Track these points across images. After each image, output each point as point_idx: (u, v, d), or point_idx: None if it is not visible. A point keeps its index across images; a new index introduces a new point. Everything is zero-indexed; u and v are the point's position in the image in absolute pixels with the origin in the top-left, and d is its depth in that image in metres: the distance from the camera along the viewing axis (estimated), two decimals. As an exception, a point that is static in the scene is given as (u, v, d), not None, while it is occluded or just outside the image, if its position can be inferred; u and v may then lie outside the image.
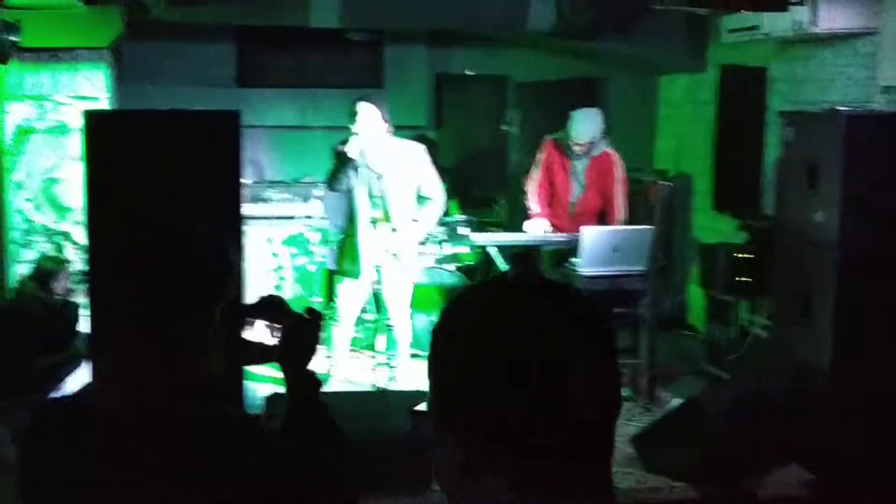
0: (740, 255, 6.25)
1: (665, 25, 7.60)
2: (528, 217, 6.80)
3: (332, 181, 6.01)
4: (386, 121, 5.93)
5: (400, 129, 8.17)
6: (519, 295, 1.17)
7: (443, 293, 7.17)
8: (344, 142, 5.88)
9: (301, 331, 1.89)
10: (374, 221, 5.87)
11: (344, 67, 8.43)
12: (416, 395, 5.04)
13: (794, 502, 4.96)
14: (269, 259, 7.92)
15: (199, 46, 8.18)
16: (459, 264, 7.48)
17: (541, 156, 6.73)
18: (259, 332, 1.90)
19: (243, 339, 1.85)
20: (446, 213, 7.64)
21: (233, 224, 4.21)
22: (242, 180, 7.99)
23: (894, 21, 5.36)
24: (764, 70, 6.82)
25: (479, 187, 8.08)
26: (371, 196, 5.92)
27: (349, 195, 5.99)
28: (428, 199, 6.07)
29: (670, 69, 8.36)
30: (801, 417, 5.03)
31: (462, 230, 7.08)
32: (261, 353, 1.89)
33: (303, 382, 1.89)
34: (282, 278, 7.90)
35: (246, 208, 8.06)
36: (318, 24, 7.20)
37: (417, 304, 7.12)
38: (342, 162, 5.89)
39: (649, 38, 7.65)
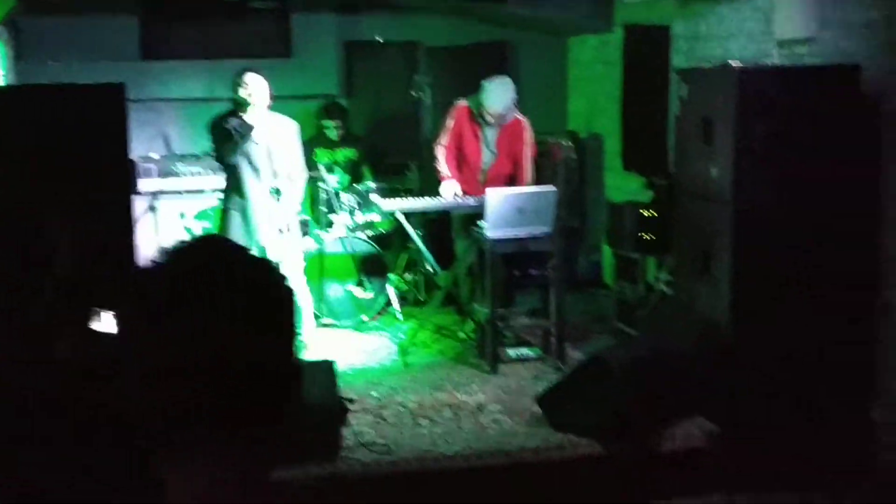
0: (645, 213, 6.32)
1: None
2: (440, 182, 6.82)
3: (227, 153, 6.01)
4: (270, 94, 6.00)
5: (311, 98, 8.16)
6: (183, 258, 1.18)
7: (357, 262, 7.15)
8: (224, 114, 5.98)
9: None
10: (275, 191, 5.85)
11: (251, 38, 8.34)
12: (322, 365, 5.03)
13: (699, 454, 5.05)
14: (182, 234, 7.83)
15: (100, 20, 8.02)
16: (374, 232, 7.46)
17: (450, 121, 6.75)
18: (107, 323, 1.84)
19: (85, 328, 1.80)
20: (359, 181, 7.63)
21: (121, 199, 4.11)
22: (151, 154, 7.98)
23: (786, -24, 5.42)
24: (666, 28, 6.86)
25: (391, 154, 8.04)
26: (255, 168, 5.98)
27: (234, 168, 6.04)
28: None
29: (578, 30, 8.38)
30: (702, 371, 5.12)
31: (374, 198, 7.05)
32: (106, 345, 1.83)
33: None
34: (195, 253, 7.81)
35: (155, 183, 8.02)
36: (219, -8, 7.11)
37: (331, 273, 7.10)
38: (233, 134, 5.91)
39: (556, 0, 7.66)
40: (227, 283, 1.14)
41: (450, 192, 6.65)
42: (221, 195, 6.33)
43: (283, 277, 1.20)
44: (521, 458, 4.88)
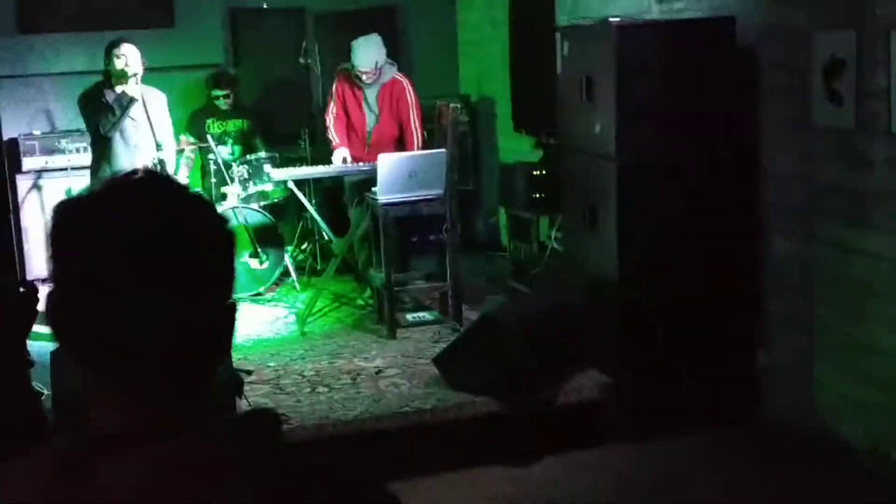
0: (535, 173, 6.37)
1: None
2: (331, 150, 6.79)
3: (105, 127, 5.91)
4: (143, 64, 5.89)
5: (197, 68, 8.01)
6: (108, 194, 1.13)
7: (251, 233, 7.07)
8: (94, 87, 5.88)
9: (8, 306, 1.79)
10: (157, 163, 5.72)
11: (132, 7, 8.11)
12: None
13: (594, 405, 5.15)
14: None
15: (-29, -7, 7.74)
16: (267, 202, 7.38)
17: (334, 88, 6.72)
18: None
19: None
20: (251, 150, 7.55)
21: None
22: (33, 132, 7.74)
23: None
24: (549, -13, 6.89)
25: (283, 123, 7.95)
26: (126, 142, 5.88)
27: (107, 142, 5.94)
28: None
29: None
30: (593, 324, 5.21)
31: (266, 167, 6.97)
32: None
33: (8, 363, 1.78)
34: (85, 231, 7.64)
35: (40, 161, 7.79)
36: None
37: (224, 245, 7.00)
38: (112, 107, 5.81)
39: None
40: (171, 220, 1.10)
41: (338, 159, 6.62)
42: (91, 171, 6.26)
43: (226, 220, 1.17)
44: (419, 420, 4.91)
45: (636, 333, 5.09)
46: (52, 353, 4.90)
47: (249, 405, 4.88)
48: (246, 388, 5.25)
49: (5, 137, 5.96)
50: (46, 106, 8.00)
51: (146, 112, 5.91)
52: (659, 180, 5.04)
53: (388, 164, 5.94)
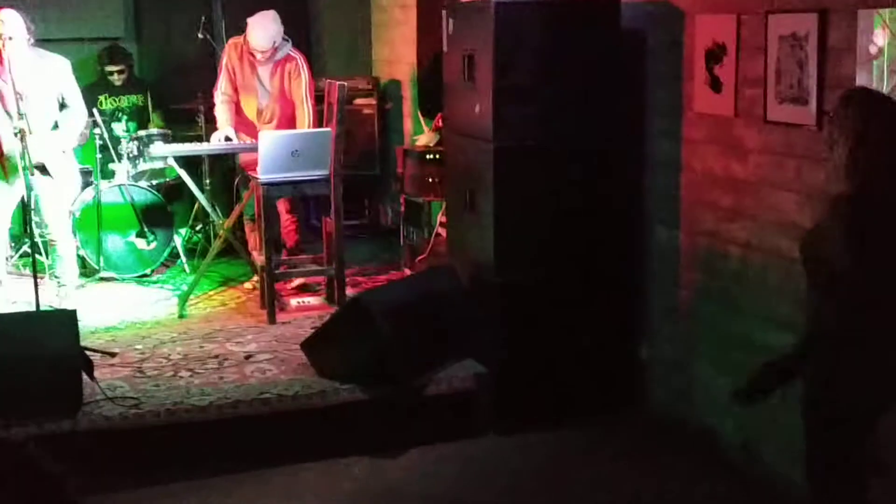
0: (427, 157, 6.20)
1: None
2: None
3: None
4: (30, 31, 5.57)
5: (95, 41, 7.75)
6: None
7: (139, 212, 6.82)
8: None
9: None
10: (17, 132, 5.39)
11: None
12: (61, 315, 4.74)
13: (466, 395, 4.97)
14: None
15: None
16: (162, 180, 7.15)
17: (224, 63, 6.47)
18: None
19: None
20: (145, 126, 7.31)
21: None
22: None
23: None
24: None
25: (184, 99, 7.69)
26: (6, 110, 5.56)
27: None
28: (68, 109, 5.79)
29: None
30: (470, 312, 5.03)
31: (157, 144, 6.72)
32: None
33: None
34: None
35: None
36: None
37: (109, 224, 6.75)
38: None
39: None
40: None
41: (220, 137, 6.37)
42: None
43: None
44: (280, 407, 4.70)
45: (513, 321, 4.93)
46: None
47: (100, 387, 4.66)
48: (105, 370, 5.03)
49: None
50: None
51: (31, 80, 5.58)
52: (538, 164, 4.87)
53: (270, 141, 5.72)
